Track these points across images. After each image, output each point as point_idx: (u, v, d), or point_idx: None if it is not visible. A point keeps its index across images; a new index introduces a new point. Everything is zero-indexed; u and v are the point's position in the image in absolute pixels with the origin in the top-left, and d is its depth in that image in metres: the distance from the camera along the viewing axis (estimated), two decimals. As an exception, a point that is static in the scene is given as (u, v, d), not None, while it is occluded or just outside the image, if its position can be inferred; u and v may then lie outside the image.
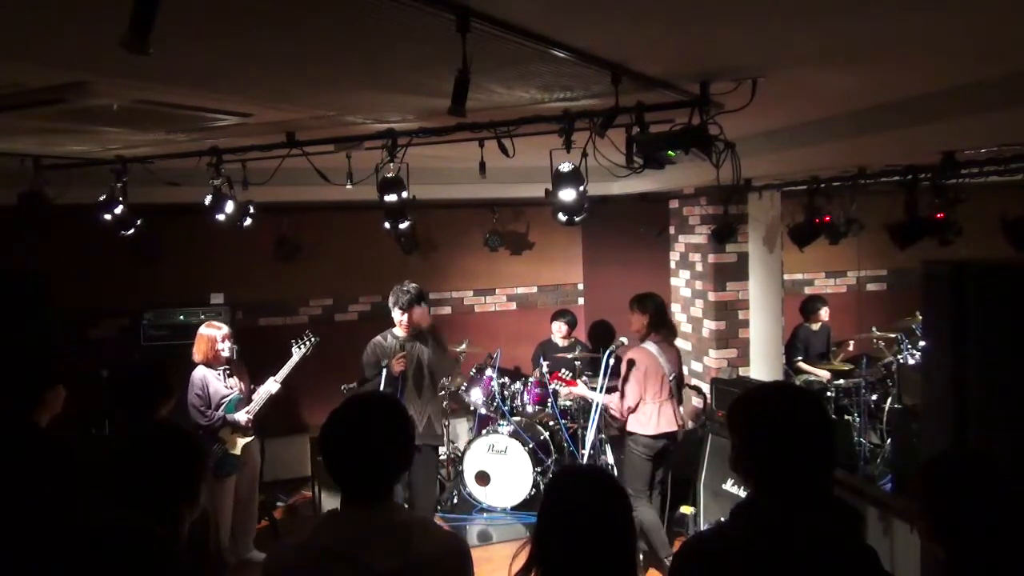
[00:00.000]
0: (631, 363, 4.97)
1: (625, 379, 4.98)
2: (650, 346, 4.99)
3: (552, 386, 5.84)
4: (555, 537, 1.84)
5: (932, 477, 2.03)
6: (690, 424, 5.11)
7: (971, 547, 1.89)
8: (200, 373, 4.89)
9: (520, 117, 3.50)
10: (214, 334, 4.95)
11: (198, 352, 4.94)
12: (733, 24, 2.38)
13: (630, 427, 5.01)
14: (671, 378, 4.98)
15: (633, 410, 4.95)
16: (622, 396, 4.97)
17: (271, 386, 5.15)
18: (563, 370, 6.12)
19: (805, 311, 7.51)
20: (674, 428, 4.97)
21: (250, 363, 5.46)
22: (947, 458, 2.16)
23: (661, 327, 5.04)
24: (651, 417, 4.92)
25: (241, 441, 5.01)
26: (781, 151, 4.75)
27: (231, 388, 5.00)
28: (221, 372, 4.98)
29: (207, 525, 4.90)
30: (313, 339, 5.40)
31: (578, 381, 5.58)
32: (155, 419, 3.17)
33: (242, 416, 4.97)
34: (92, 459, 2.84)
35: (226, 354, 4.97)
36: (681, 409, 5.09)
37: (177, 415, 4.19)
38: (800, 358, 7.27)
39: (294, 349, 5.33)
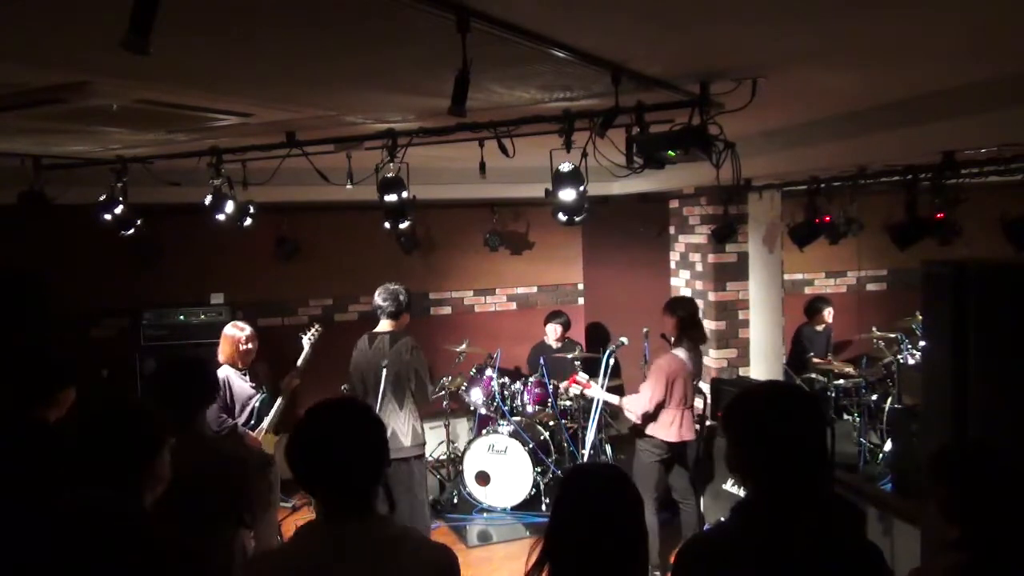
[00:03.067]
0: (658, 367, 4.90)
1: (648, 381, 4.91)
2: (681, 353, 4.93)
3: (572, 390, 5.71)
4: (567, 534, 1.84)
5: (949, 459, 2.05)
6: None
7: (986, 525, 1.90)
8: (223, 373, 4.85)
9: (520, 117, 3.49)
10: (238, 335, 4.88)
11: (221, 353, 4.87)
12: (733, 24, 2.38)
13: (648, 430, 4.93)
14: (697, 385, 4.97)
15: (651, 414, 4.88)
16: (643, 398, 4.89)
17: (292, 382, 5.05)
18: (580, 373, 6.02)
19: (809, 311, 7.51)
20: (693, 436, 4.97)
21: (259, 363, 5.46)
22: (962, 442, 2.20)
23: (690, 329, 4.96)
24: (673, 422, 4.87)
25: (272, 439, 4.98)
26: (781, 151, 4.75)
27: (254, 389, 4.98)
28: (245, 373, 4.96)
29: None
30: (318, 328, 5.30)
31: (592, 383, 5.45)
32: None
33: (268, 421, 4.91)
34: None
35: (252, 356, 4.91)
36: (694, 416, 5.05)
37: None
38: (812, 354, 7.30)
39: (304, 340, 5.22)
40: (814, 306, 7.53)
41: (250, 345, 4.92)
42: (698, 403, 5.72)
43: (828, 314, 7.49)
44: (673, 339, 4.98)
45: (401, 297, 5.07)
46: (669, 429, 4.88)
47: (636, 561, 1.84)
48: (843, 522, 1.80)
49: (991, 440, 2.36)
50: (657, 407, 4.86)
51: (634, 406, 4.93)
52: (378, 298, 5.10)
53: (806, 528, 1.73)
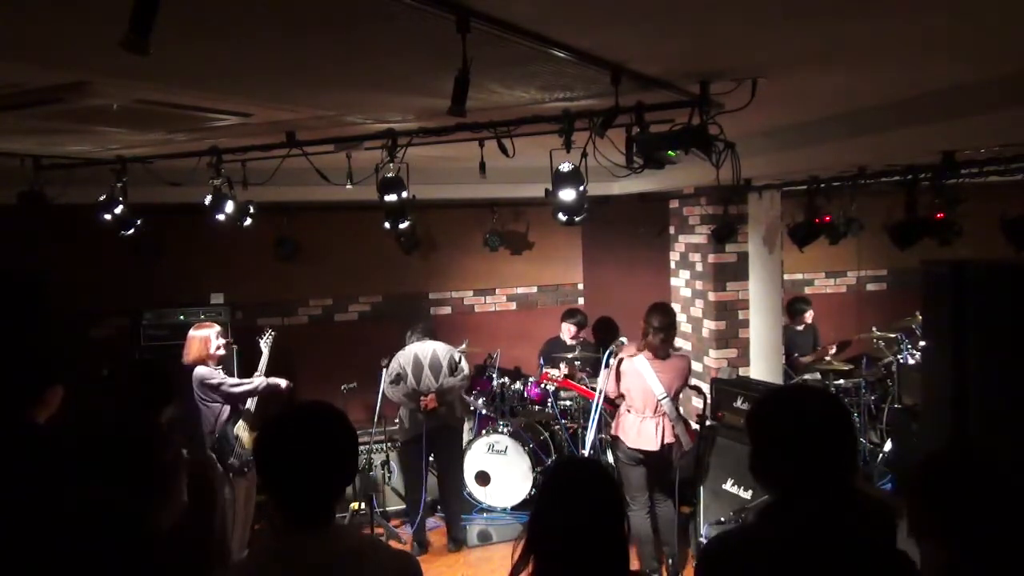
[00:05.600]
0: (620, 364, 5.00)
1: (614, 382, 5.05)
2: (639, 362, 4.92)
3: (543, 385, 6.05)
4: (548, 525, 1.84)
5: (931, 477, 2.01)
6: (685, 443, 5.05)
7: (976, 546, 1.88)
8: (201, 371, 4.90)
9: (520, 117, 3.49)
10: (207, 333, 4.99)
11: (191, 353, 4.94)
12: (733, 24, 2.38)
13: (615, 431, 5.05)
14: (661, 397, 4.87)
15: (620, 396, 4.99)
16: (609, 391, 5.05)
17: (259, 381, 5.22)
18: (551, 372, 6.19)
19: (790, 312, 7.50)
20: (652, 447, 4.88)
21: (250, 362, 5.48)
22: (944, 456, 2.14)
23: (651, 338, 4.93)
24: (632, 428, 4.94)
25: (250, 437, 5.03)
26: (781, 151, 4.75)
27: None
28: (218, 370, 5.01)
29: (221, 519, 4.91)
30: (272, 333, 5.68)
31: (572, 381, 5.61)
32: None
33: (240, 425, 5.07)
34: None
35: (221, 352, 5.03)
36: (674, 427, 4.97)
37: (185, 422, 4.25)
38: (797, 355, 7.30)
39: (262, 344, 5.53)
40: (795, 307, 7.53)
41: (219, 340, 5.05)
42: (698, 403, 5.74)
43: (809, 315, 7.51)
44: (638, 345, 5.03)
45: (431, 324, 6.20)
46: (628, 434, 4.95)
47: (617, 550, 1.83)
48: (874, 524, 1.78)
49: (979, 449, 2.33)
50: (626, 411, 4.95)
51: (606, 387, 5.09)
52: (417, 332, 5.97)
53: (837, 530, 1.72)
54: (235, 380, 5.06)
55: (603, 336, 7.02)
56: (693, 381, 6.35)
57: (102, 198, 4.95)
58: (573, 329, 7.01)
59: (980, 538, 1.87)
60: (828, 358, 7.18)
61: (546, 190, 3.46)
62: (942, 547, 1.95)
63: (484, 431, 6.36)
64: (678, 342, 6.76)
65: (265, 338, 5.57)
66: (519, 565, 1.85)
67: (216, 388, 4.91)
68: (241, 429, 4.98)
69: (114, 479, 2.01)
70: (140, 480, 2.05)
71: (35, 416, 2.92)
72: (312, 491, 1.75)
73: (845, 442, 1.80)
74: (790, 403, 1.89)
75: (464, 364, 5.91)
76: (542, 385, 6.23)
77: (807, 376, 7.05)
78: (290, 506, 1.76)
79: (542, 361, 6.78)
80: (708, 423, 5.19)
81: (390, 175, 3.98)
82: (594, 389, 5.34)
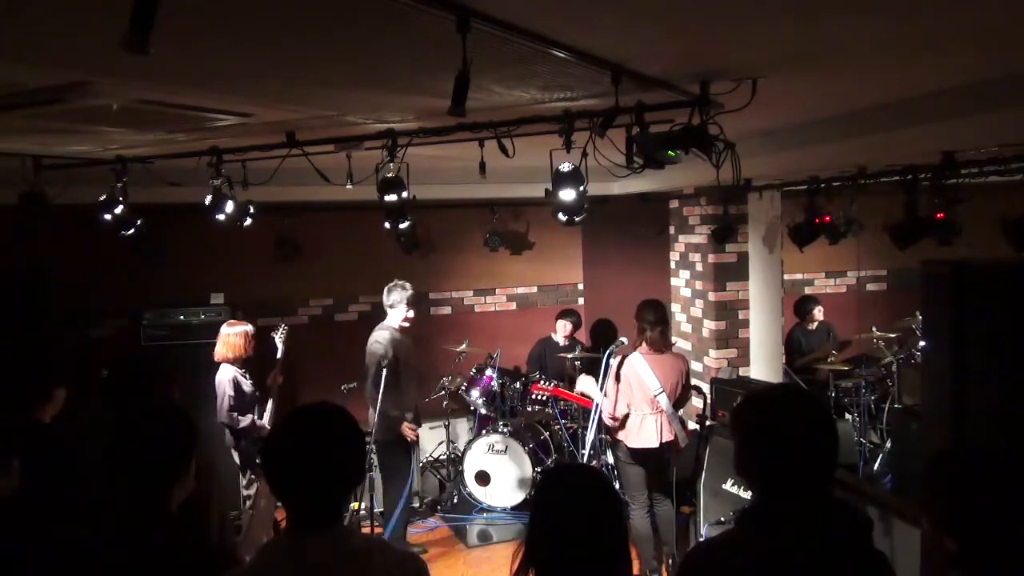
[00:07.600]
0: (618, 369, 4.98)
1: (614, 383, 4.99)
2: (636, 358, 4.93)
3: (533, 396, 6.17)
4: (548, 536, 1.83)
5: (943, 471, 2.04)
6: (682, 439, 5.07)
7: (984, 539, 1.89)
8: (231, 373, 4.89)
9: (520, 117, 3.49)
10: (247, 329, 5.06)
11: (231, 351, 4.94)
12: (733, 24, 2.38)
13: (617, 434, 5.03)
14: (657, 393, 4.88)
15: (617, 417, 4.93)
16: (611, 399, 4.99)
17: (276, 378, 5.26)
18: (541, 381, 6.22)
19: (799, 312, 7.53)
20: (653, 444, 4.88)
21: (250, 361, 5.50)
22: (956, 452, 2.17)
23: (648, 333, 4.95)
24: (632, 428, 4.93)
25: None
26: (781, 151, 4.75)
27: (253, 387, 5.05)
28: (245, 371, 5.03)
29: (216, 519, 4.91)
30: (285, 328, 5.65)
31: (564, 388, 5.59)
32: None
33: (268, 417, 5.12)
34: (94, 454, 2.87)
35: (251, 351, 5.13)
36: (674, 424, 4.99)
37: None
38: (795, 357, 7.30)
39: (277, 339, 5.52)
40: (803, 307, 7.55)
41: (253, 340, 5.07)
42: (698, 403, 5.74)
43: (819, 312, 7.52)
44: (636, 343, 5.03)
45: (391, 291, 5.39)
46: (629, 435, 4.93)
47: (618, 558, 1.83)
48: (850, 528, 1.79)
49: (988, 446, 2.34)
50: (625, 413, 4.93)
51: (604, 408, 5.02)
52: (390, 297, 5.42)
53: (813, 534, 1.73)
54: (237, 412, 4.99)
55: (599, 339, 7.03)
56: (693, 381, 6.36)
57: (102, 198, 4.94)
58: (569, 327, 7.01)
59: (983, 533, 1.90)
60: (830, 359, 7.18)
61: (546, 190, 3.46)
62: (947, 539, 1.97)
63: (484, 431, 6.36)
64: (679, 342, 6.77)
65: (279, 333, 5.55)
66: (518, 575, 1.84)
67: (245, 397, 4.93)
68: (263, 431, 5.00)
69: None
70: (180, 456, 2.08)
71: (42, 415, 2.95)
72: (319, 492, 1.76)
73: (823, 445, 1.81)
74: (770, 405, 1.90)
75: (373, 348, 5.16)
76: (534, 396, 6.27)
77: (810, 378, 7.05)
78: (298, 506, 1.77)
79: (542, 364, 6.79)
80: (708, 423, 5.19)
81: (390, 175, 3.97)
82: (585, 395, 5.34)
